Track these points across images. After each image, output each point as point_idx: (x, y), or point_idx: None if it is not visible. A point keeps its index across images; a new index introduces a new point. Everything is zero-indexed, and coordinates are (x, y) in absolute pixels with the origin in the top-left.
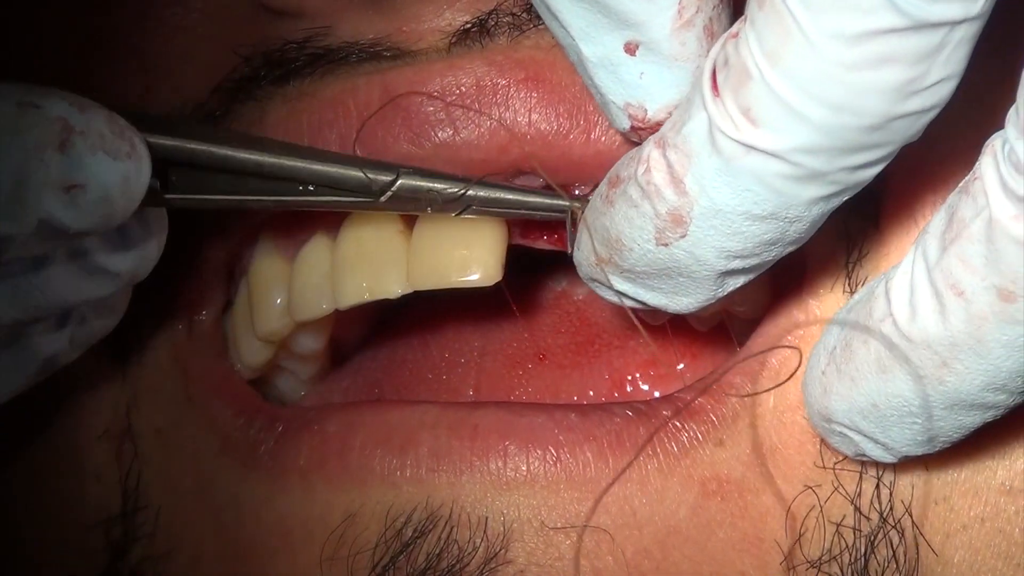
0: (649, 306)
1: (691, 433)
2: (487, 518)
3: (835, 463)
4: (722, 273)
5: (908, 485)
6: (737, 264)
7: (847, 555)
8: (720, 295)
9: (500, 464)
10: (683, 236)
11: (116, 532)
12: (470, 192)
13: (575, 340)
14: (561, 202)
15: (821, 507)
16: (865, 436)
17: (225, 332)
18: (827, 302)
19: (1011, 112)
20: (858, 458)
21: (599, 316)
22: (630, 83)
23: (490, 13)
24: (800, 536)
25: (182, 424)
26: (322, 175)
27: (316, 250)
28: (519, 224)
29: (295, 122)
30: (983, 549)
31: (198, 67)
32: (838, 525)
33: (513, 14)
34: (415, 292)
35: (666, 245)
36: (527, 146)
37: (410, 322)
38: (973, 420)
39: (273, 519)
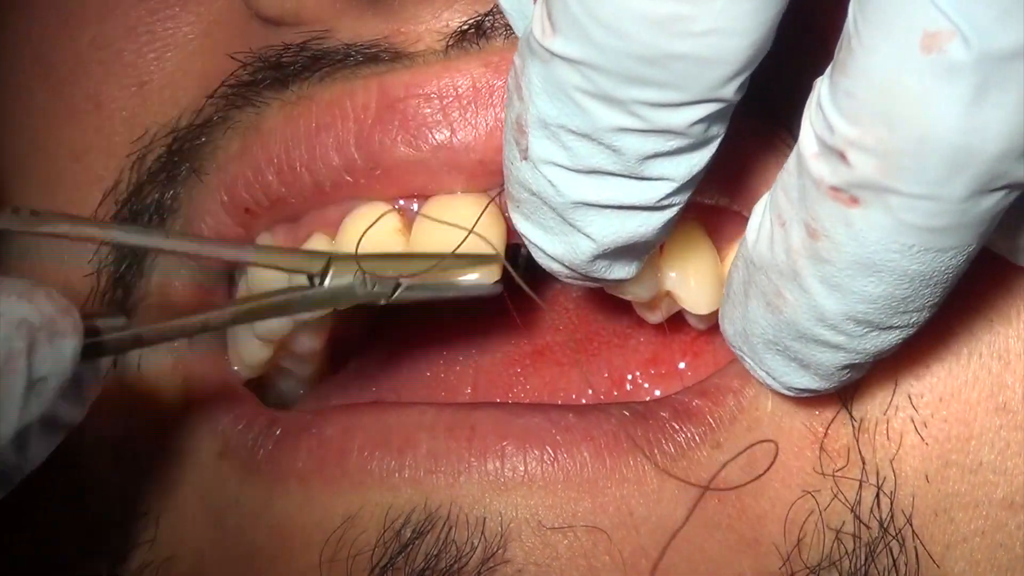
0: (555, 259)
1: (688, 435)
2: (485, 518)
3: (835, 470)
4: (577, 203)
5: (909, 495)
6: (586, 193)
7: (847, 562)
8: (606, 243)
9: (498, 465)
10: (528, 147)
11: (116, 538)
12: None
13: (574, 338)
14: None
15: (821, 513)
16: (752, 361)
17: (225, 334)
18: None
19: None
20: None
21: (598, 313)
22: None
23: (486, 14)
24: (799, 541)
25: (181, 429)
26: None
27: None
28: None
29: (292, 127)
30: (983, 562)
31: (194, 79)
32: (838, 532)
33: None
34: None
35: (525, 159)
36: None
37: (408, 320)
38: (828, 357)
39: (273, 523)
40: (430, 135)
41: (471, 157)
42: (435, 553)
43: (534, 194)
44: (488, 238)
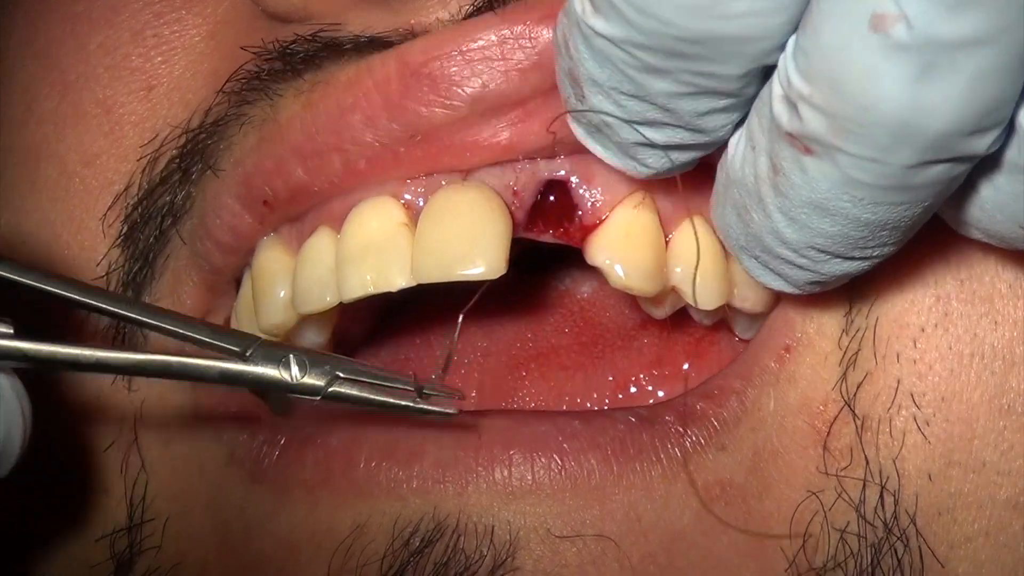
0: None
1: (694, 438)
2: (493, 527)
3: (839, 469)
4: (635, 143)
5: (912, 494)
6: (643, 137)
7: (852, 562)
8: (663, 170)
9: (505, 473)
10: (584, 95)
11: (122, 544)
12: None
13: (579, 341)
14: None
15: (825, 513)
16: (735, 255)
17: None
18: (825, 303)
19: None
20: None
21: (603, 316)
22: None
23: None
24: (804, 542)
25: (189, 436)
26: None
27: (321, 243)
28: (524, 217)
29: (312, 113)
30: (988, 562)
31: (203, 80)
32: (842, 532)
33: None
34: (419, 286)
35: (582, 100)
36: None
37: (413, 322)
38: (794, 272)
39: (281, 532)
40: (462, 91)
41: (510, 101)
42: (444, 562)
43: (596, 128)
44: (493, 233)
